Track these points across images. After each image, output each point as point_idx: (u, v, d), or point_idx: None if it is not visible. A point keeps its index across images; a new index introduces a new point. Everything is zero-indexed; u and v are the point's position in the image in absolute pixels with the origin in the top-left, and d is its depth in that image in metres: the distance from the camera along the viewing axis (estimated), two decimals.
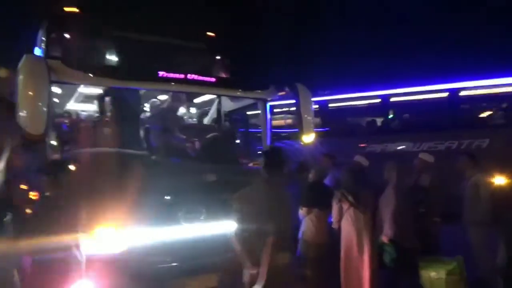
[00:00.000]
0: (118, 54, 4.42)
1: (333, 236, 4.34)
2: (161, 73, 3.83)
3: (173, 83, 3.95)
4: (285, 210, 3.23)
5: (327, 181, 4.92)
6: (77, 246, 3.12)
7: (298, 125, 4.43)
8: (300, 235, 4.44)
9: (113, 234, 3.26)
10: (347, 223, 4.20)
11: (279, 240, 3.01)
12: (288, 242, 3.25)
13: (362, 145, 8.21)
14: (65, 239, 3.08)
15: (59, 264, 3.07)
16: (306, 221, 4.43)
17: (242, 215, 3.07)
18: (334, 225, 4.30)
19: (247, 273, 3.02)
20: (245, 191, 3.19)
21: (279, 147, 4.13)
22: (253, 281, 2.99)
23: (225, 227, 3.71)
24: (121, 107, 4.53)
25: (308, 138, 4.38)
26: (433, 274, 4.01)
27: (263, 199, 3.09)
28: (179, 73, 3.95)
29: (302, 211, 4.42)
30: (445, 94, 8.13)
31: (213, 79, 4.17)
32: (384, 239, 4.11)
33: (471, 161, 4.79)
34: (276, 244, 2.97)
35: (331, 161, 5.43)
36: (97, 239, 3.23)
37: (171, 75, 3.88)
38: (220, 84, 4.34)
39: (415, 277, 4.10)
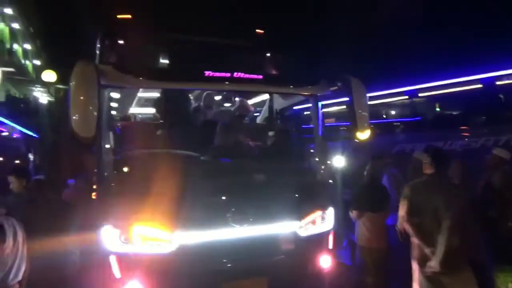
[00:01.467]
0: (166, 56, 4.47)
1: (392, 239, 4.01)
2: (207, 73, 3.78)
3: (220, 82, 3.90)
4: (457, 200, 3.58)
5: (384, 181, 4.58)
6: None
7: (352, 122, 4.16)
8: (356, 240, 4.18)
9: (165, 234, 3.28)
10: None
11: (454, 225, 3.44)
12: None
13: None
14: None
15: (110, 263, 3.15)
16: (359, 226, 4.16)
17: (414, 203, 3.59)
18: (399, 227, 3.94)
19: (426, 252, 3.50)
20: (417, 183, 3.72)
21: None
22: (427, 259, 3.48)
23: (276, 229, 3.60)
24: (173, 109, 4.60)
25: (363, 135, 4.10)
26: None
27: (435, 191, 3.56)
28: (226, 71, 3.88)
29: (352, 214, 4.15)
30: None
31: (260, 76, 4.05)
32: None
33: None
34: (451, 228, 3.42)
35: (382, 162, 5.03)
36: (149, 239, 3.27)
37: (218, 74, 3.82)
38: (269, 81, 4.22)
39: None
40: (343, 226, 4.76)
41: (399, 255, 3.97)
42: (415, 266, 3.66)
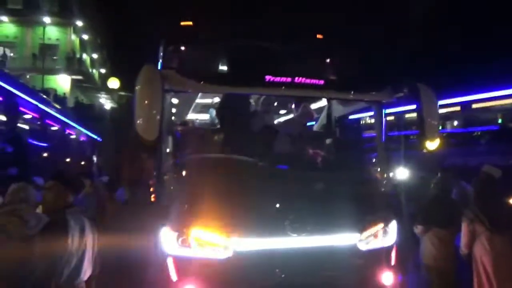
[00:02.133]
0: (227, 61, 4.50)
1: (461, 261, 3.68)
2: (268, 78, 3.73)
3: (280, 87, 3.83)
4: None
5: (454, 195, 4.24)
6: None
7: (421, 131, 3.90)
8: (420, 259, 3.87)
9: (221, 239, 3.25)
10: (482, 249, 3.51)
11: None
12: None
13: None
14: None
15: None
16: (425, 243, 3.86)
17: None
18: (463, 251, 3.63)
19: None
20: None
21: None
22: None
23: (334, 240, 3.45)
24: (232, 114, 4.60)
25: (433, 145, 3.83)
26: None
27: None
28: (287, 76, 3.81)
29: (417, 230, 3.86)
30: None
31: (322, 82, 3.93)
32: None
33: None
34: None
35: (450, 174, 4.64)
36: (206, 244, 3.24)
37: (278, 79, 3.76)
38: (331, 86, 4.08)
39: None
40: (409, 245, 4.44)
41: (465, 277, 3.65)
42: None
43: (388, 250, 3.70)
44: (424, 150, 3.83)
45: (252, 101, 5.40)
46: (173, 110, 6.00)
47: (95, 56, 37.86)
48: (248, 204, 3.31)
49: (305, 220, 3.42)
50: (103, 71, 39.98)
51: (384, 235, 3.69)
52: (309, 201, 3.51)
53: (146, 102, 3.18)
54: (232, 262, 3.22)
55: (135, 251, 3.70)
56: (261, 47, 4.46)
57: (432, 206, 4.00)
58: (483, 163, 4.19)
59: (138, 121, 3.15)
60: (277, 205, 3.46)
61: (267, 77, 3.75)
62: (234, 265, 3.23)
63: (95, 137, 17.16)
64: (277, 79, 3.76)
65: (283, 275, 3.34)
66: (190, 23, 4.55)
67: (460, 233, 3.91)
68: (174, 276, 3.20)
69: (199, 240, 3.23)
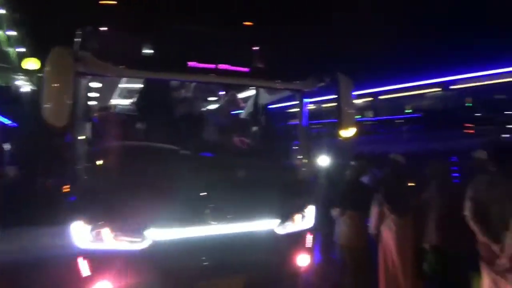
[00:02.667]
0: (149, 45, 4.32)
1: (372, 241, 3.99)
2: (190, 63, 3.66)
3: (204, 74, 3.77)
4: None
5: (367, 180, 4.54)
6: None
7: (338, 119, 4.09)
8: (335, 238, 4.12)
9: (138, 231, 3.15)
10: (387, 229, 3.82)
11: None
12: None
13: None
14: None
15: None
16: (341, 224, 4.10)
17: (476, 201, 3.49)
18: (373, 231, 3.93)
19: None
20: (479, 181, 3.60)
21: None
22: (493, 256, 3.36)
23: (254, 226, 3.52)
24: (154, 100, 4.45)
25: (348, 132, 4.03)
26: None
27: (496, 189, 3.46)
28: (211, 63, 3.76)
29: (335, 212, 4.10)
30: None
31: (246, 69, 3.95)
32: (427, 245, 3.67)
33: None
34: None
35: (363, 161, 4.96)
36: (121, 236, 3.13)
37: (201, 65, 3.70)
38: (255, 74, 4.11)
39: None
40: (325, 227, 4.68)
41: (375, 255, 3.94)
42: (483, 266, 3.54)
43: (304, 233, 3.87)
44: (340, 138, 4.03)
45: (183, 88, 5.27)
46: (95, 95, 5.70)
47: (12, 33, 34.47)
48: (167, 193, 3.24)
49: (226, 208, 3.45)
50: (22, 50, 36.58)
51: (301, 220, 3.84)
52: (230, 189, 3.53)
53: (54, 85, 2.96)
54: (149, 254, 3.15)
55: (37, 249, 3.45)
56: (186, 32, 4.34)
57: (347, 191, 4.25)
58: (393, 151, 4.53)
59: (45, 106, 2.93)
60: (198, 194, 3.44)
61: (190, 63, 3.68)
62: (151, 257, 3.16)
63: (8, 122, 15.66)
64: (200, 65, 3.70)
65: (203, 263, 3.35)
66: (111, 2, 4.29)
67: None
68: (87, 273, 3.04)
69: (114, 233, 3.10)
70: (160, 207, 3.21)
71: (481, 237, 3.50)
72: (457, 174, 4.56)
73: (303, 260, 3.76)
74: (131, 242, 3.14)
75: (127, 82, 5.86)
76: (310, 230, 3.89)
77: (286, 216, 3.72)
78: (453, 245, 3.62)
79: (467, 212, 3.56)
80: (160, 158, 3.55)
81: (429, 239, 3.70)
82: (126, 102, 6.25)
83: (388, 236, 3.82)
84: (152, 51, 4.26)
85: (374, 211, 3.90)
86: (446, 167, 3.99)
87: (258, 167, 3.81)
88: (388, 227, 3.81)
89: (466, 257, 3.67)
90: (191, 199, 3.38)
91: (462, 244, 3.64)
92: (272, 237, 3.61)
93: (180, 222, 3.28)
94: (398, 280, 3.78)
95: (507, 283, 3.35)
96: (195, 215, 3.35)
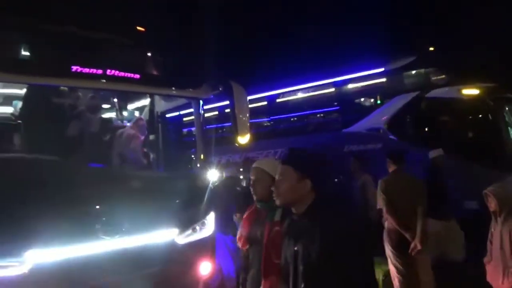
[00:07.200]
0: (28, 47, 3.91)
1: None
2: (74, 68, 3.40)
3: (89, 79, 3.53)
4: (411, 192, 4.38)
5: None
6: None
7: (233, 126, 4.17)
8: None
9: (15, 253, 2.80)
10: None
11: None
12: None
13: None
14: None
15: None
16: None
17: (389, 196, 4.35)
18: None
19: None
20: (388, 179, 4.51)
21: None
22: (404, 243, 4.16)
23: (152, 238, 3.40)
24: (34, 108, 4.05)
25: (243, 139, 4.13)
26: None
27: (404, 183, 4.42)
28: (97, 68, 3.54)
29: (235, 217, 4.19)
30: None
31: (137, 76, 3.79)
32: None
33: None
34: (424, 213, 4.23)
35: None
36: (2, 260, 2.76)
37: (87, 70, 3.46)
38: (147, 81, 3.96)
39: None
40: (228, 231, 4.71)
41: None
42: (389, 253, 4.30)
43: (205, 241, 3.85)
44: (237, 144, 4.11)
45: (71, 95, 4.84)
46: None
47: None
48: (50, 209, 2.94)
49: (120, 221, 3.26)
50: None
51: (201, 228, 3.81)
52: (124, 201, 3.35)
53: None
54: (29, 278, 2.82)
55: None
56: (71, 34, 4.01)
57: (245, 195, 4.33)
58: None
59: None
60: (88, 208, 3.19)
61: (74, 67, 3.42)
62: (33, 283, 2.84)
63: None
64: (86, 70, 3.46)
65: (97, 281, 3.11)
66: None
67: None
68: None
69: None
70: (43, 224, 2.90)
71: (393, 226, 4.26)
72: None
73: (204, 267, 3.73)
74: (7, 267, 2.77)
75: (7, 87, 5.22)
76: (211, 238, 3.89)
77: (185, 225, 3.66)
78: None
79: (381, 205, 4.38)
80: (40, 171, 3.21)
81: None
82: (5, 109, 5.57)
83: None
84: (31, 54, 3.86)
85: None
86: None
87: (155, 176, 3.70)
88: None
89: None
90: (79, 214, 3.13)
91: None
92: (172, 247, 3.52)
93: (66, 239, 2.99)
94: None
95: (418, 264, 4.13)
96: (85, 231, 3.11)
